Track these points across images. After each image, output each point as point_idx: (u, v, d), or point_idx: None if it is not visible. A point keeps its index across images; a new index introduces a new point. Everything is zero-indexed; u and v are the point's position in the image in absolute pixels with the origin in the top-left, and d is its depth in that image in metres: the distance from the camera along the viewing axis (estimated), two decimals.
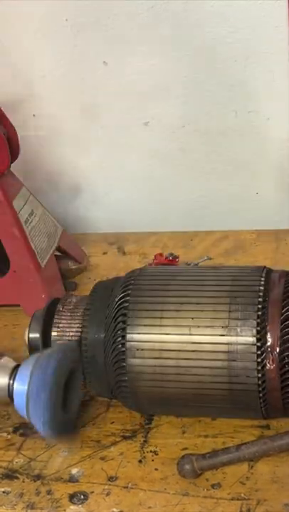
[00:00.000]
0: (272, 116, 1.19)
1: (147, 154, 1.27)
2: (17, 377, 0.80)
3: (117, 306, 0.81)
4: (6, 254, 1.07)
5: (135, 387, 0.80)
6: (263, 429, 0.82)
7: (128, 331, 0.79)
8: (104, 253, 1.24)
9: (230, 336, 0.76)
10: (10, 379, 0.81)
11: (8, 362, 0.83)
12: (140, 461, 0.81)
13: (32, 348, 0.86)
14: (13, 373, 0.81)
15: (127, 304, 0.80)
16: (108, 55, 1.20)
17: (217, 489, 0.75)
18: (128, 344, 0.79)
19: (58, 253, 1.16)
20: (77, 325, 0.85)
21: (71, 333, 0.85)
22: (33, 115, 1.27)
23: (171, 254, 1.12)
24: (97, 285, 0.87)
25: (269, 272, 0.81)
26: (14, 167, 1.09)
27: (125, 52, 1.19)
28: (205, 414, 0.84)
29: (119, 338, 0.79)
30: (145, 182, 1.30)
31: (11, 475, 0.81)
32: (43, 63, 1.22)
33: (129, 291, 0.81)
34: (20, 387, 0.79)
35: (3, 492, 0.79)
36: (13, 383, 0.80)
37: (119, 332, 0.79)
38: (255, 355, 0.75)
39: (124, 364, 0.79)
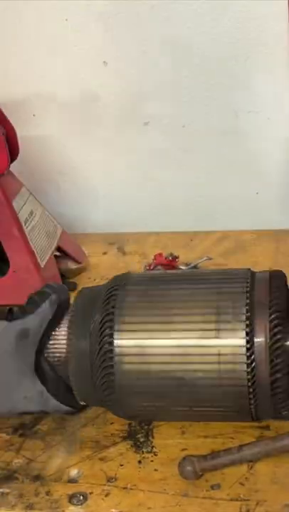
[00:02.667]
0: (272, 116, 1.19)
1: (147, 154, 1.27)
2: None
3: (103, 312, 0.79)
4: (6, 254, 1.07)
5: (124, 395, 0.79)
6: (263, 429, 0.82)
7: (115, 337, 0.78)
8: (104, 253, 1.24)
9: (219, 339, 0.75)
10: None
11: None
12: (139, 462, 0.81)
13: None
14: None
15: (113, 310, 0.79)
16: (108, 55, 1.19)
17: (216, 490, 0.75)
18: (116, 350, 0.78)
19: (57, 253, 1.16)
20: (63, 333, 0.83)
21: (56, 344, 0.83)
22: (33, 115, 1.27)
23: (171, 254, 1.12)
24: (81, 291, 0.85)
25: (254, 274, 0.81)
26: (14, 167, 1.09)
27: (125, 52, 1.19)
28: (196, 420, 0.83)
29: (107, 345, 0.78)
30: (145, 182, 1.30)
31: (10, 476, 0.81)
32: (43, 63, 1.22)
33: (115, 298, 0.80)
34: None
35: (2, 493, 0.79)
36: None
37: (106, 338, 0.78)
38: (245, 356, 0.74)
39: (112, 371, 0.77)
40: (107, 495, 0.77)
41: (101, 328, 0.78)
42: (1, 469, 0.82)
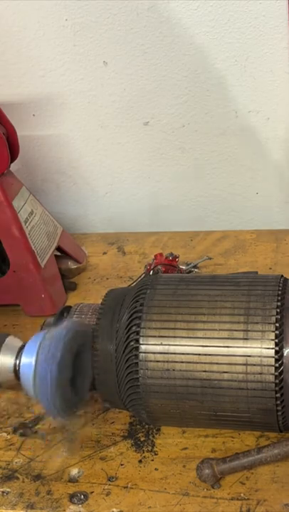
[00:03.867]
0: (272, 116, 1.19)
1: (147, 154, 1.27)
2: (23, 355, 0.77)
3: (130, 317, 0.78)
4: (6, 254, 1.07)
5: (148, 400, 0.78)
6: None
7: (141, 343, 0.76)
8: (104, 253, 1.24)
9: (248, 347, 0.73)
10: (16, 359, 0.78)
11: (14, 341, 0.80)
12: (140, 461, 0.81)
13: None
14: (20, 353, 0.78)
15: (140, 315, 0.78)
16: (108, 55, 1.20)
17: (217, 489, 0.75)
18: (141, 356, 0.76)
19: (57, 253, 1.15)
20: None
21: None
22: (33, 115, 1.27)
23: (171, 254, 1.12)
24: (108, 294, 0.84)
25: (286, 280, 0.79)
26: (14, 167, 1.09)
27: (125, 52, 1.19)
28: (220, 427, 0.81)
29: (133, 350, 0.77)
30: (145, 182, 1.30)
31: (10, 475, 0.81)
32: (43, 63, 1.22)
33: (143, 301, 0.79)
34: (27, 362, 0.76)
35: (3, 492, 0.79)
36: (19, 363, 0.77)
37: (132, 343, 0.77)
38: (274, 367, 0.72)
39: (138, 376, 0.76)
40: (107, 494, 0.77)
41: (127, 330, 0.77)
42: (1, 469, 0.82)
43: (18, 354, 0.78)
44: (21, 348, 0.79)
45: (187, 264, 1.13)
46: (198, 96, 1.20)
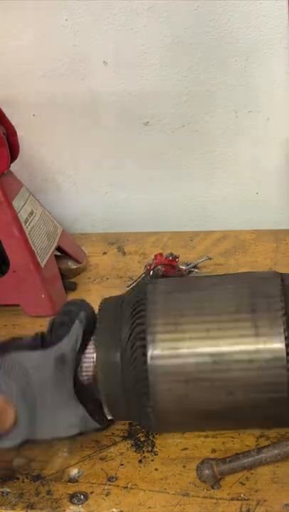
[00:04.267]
0: (272, 116, 1.19)
1: (147, 154, 1.27)
2: None
3: (133, 325, 0.75)
4: (6, 254, 1.07)
5: (161, 408, 0.75)
6: (264, 429, 0.82)
7: (149, 349, 0.73)
8: (104, 253, 1.24)
9: (258, 346, 0.72)
10: None
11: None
12: (140, 462, 0.81)
13: None
14: None
15: (144, 320, 0.75)
16: (108, 55, 1.20)
17: (217, 489, 0.75)
18: (150, 365, 0.73)
19: (57, 253, 1.15)
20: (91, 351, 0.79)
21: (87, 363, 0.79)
22: (33, 115, 1.27)
23: (171, 254, 1.12)
24: (104, 302, 0.81)
25: (284, 276, 0.78)
26: (14, 167, 1.09)
27: (125, 52, 1.19)
28: (233, 429, 0.81)
29: (140, 357, 0.74)
30: (145, 182, 1.30)
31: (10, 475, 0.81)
32: (43, 63, 1.22)
33: (144, 307, 0.76)
34: None
35: (3, 492, 0.79)
36: None
37: (138, 350, 0.74)
38: (285, 360, 0.71)
39: (147, 383, 0.74)
40: (107, 494, 0.77)
41: (132, 338, 0.74)
42: (1, 469, 0.82)
43: None
44: None
45: (187, 264, 1.13)
46: (198, 96, 1.20)
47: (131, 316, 0.76)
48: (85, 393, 0.78)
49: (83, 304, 0.80)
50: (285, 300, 0.74)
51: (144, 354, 0.74)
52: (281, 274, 0.79)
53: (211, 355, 0.73)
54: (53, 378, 0.77)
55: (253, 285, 0.77)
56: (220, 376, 0.73)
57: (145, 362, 0.74)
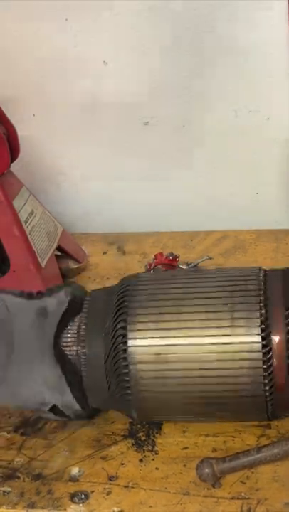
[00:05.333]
0: (272, 116, 1.19)
1: (147, 154, 1.27)
2: None
3: (115, 316, 0.79)
4: (6, 254, 1.07)
5: (139, 398, 0.78)
6: (265, 428, 0.82)
7: (129, 341, 0.77)
8: (104, 253, 1.24)
9: (235, 338, 0.75)
10: None
11: None
12: (141, 461, 0.81)
13: None
14: None
15: (126, 310, 0.78)
16: (108, 55, 1.20)
17: (217, 488, 0.75)
18: (130, 351, 0.77)
19: (58, 253, 1.16)
20: (73, 337, 0.82)
21: (69, 347, 0.82)
22: (33, 115, 1.27)
23: (171, 254, 1.12)
24: (91, 295, 0.85)
25: (266, 272, 0.81)
26: (14, 167, 1.09)
27: (125, 52, 1.19)
28: (210, 420, 0.82)
29: (120, 345, 0.77)
30: (145, 182, 1.30)
31: (11, 474, 0.81)
32: (43, 63, 1.22)
33: (126, 300, 0.79)
34: None
35: (4, 492, 0.79)
36: None
37: (119, 339, 0.77)
38: (261, 361, 0.74)
39: (127, 371, 0.77)
40: (108, 493, 0.77)
41: (114, 331, 0.78)
42: (2, 468, 0.82)
43: None
44: None
45: (187, 264, 1.13)
46: (198, 96, 1.20)
47: (114, 308, 0.79)
48: (66, 359, 0.80)
49: (76, 286, 0.85)
50: (264, 297, 0.76)
51: (125, 343, 0.77)
52: (264, 270, 0.81)
53: (189, 351, 0.76)
54: (33, 330, 0.80)
55: (234, 281, 0.79)
56: (196, 373, 0.76)
57: (125, 351, 0.77)
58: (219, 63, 1.17)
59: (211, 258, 1.15)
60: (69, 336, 0.81)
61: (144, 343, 0.77)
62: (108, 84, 1.22)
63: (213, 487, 0.75)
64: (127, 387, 0.78)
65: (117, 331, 0.78)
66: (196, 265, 1.13)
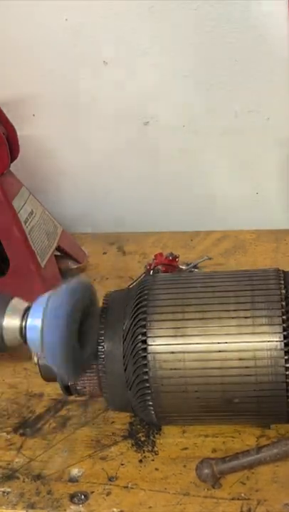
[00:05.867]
0: (272, 116, 1.19)
1: (147, 154, 1.27)
2: (29, 317, 0.75)
3: (135, 317, 0.78)
4: (6, 254, 1.07)
5: (159, 400, 0.77)
6: (264, 428, 0.82)
7: (149, 343, 0.76)
8: (104, 253, 1.24)
9: (257, 342, 0.74)
10: (22, 321, 0.76)
11: (19, 303, 0.78)
12: (140, 461, 0.81)
13: (44, 371, 0.82)
14: (26, 314, 0.76)
15: (145, 316, 0.77)
16: (108, 55, 1.20)
17: (217, 489, 0.75)
18: (150, 356, 0.76)
19: (57, 253, 1.15)
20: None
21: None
22: (33, 115, 1.27)
23: (171, 254, 1.12)
24: (108, 295, 0.84)
25: (286, 273, 0.80)
26: (14, 167, 1.09)
27: (125, 52, 1.19)
28: (230, 423, 0.82)
29: (140, 351, 0.76)
30: (145, 182, 1.29)
31: (11, 475, 0.81)
32: (43, 63, 1.22)
33: (145, 301, 0.78)
34: (33, 325, 0.73)
35: (4, 492, 0.79)
36: (25, 324, 0.75)
37: (139, 344, 0.76)
38: (283, 359, 0.73)
39: (147, 377, 0.76)
40: (108, 494, 0.77)
41: (134, 331, 0.77)
42: (2, 469, 0.82)
43: (24, 316, 0.76)
44: (27, 310, 0.77)
45: (187, 264, 1.13)
46: (198, 96, 1.20)
47: (133, 309, 0.78)
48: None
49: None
50: (286, 298, 0.75)
51: (145, 344, 0.76)
52: (283, 271, 0.80)
53: (209, 351, 0.75)
54: None
55: (253, 282, 0.78)
56: (216, 373, 0.75)
57: (145, 357, 0.76)
58: (219, 63, 1.17)
59: (210, 258, 1.15)
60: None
61: (163, 345, 0.76)
62: (108, 84, 1.22)
63: (213, 487, 0.75)
64: (147, 390, 0.77)
65: (137, 334, 0.77)
66: (196, 265, 1.13)
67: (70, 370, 0.72)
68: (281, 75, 1.15)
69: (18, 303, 0.78)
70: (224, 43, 1.14)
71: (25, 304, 0.77)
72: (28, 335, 0.74)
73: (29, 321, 0.74)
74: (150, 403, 0.77)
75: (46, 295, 0.75)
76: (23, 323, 0.75)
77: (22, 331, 0.75)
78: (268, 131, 1.21)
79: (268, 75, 1.16)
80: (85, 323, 0.73)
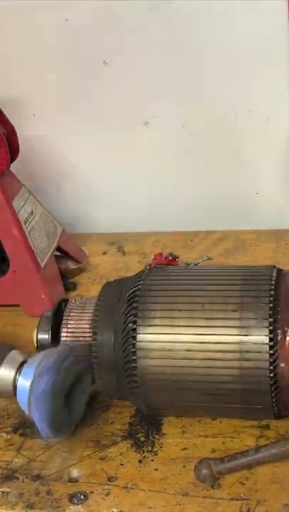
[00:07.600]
0: (272, 116, 1.19)
1: (147, 154, 1.27)
2: (22, 373, 0.81)
3: (127, 307, 0.80)
4: (6, 254, 1.07)
5: (146, 389, 0.80)
6: (263, 429, 0.82)
7: (139, 332, 0.79)
8: (104, 253, 1.24)
9: (243, 335, 0.75)
10: (16, 373, 0.82)
11: (17, 355, 0.84)
12: (140, 461, 0.81)
13: (41, 348, 0.86)
14: (20, 368, 0.82)
15: (137, 305, 0.80)
16: (108, 55, 1.19)
17: (217, 489, 0.75)
18: (139, 345, 0.78)
19: (57, 253, 1.16)
20: (87, 326, 0.85)
21: (80, 334, 0.85)
22: (33, 115, 1.27)
23: (171, 254, 1.11)
24: (105, 286, 0.86)
25: (279, 271, 0.81)
26: (14, 167, 1.09)
27: (125, 52, 1.19)
28: (216, 415, 0.83)
29: (130, 339, 0.79)
30: (145, 182, 1.29)
31: (10, 475, 0.81)
32: (43, 63, 1.22)
33: (139, 292, 0.81)
34: (23, 383, 0.80)
35: (3, 492, 0.79)
36: (18, 378, 0.81)
37: (130, 333, 0.79)
38: (268, 354, 0.74)
39: (135, 365, 0.78)
40: (107, 494, 0.77)
41: (125, 320, 0.79)
42: (1, 469, 0.82)
43: (19, 369, 0.82)
44: (22, 364, 0.82)
45: (187, 264, 1.13)
46: (199, 96, 1.20)
47: (127, 300, 0.80)
48: None
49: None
50: (274, 294, 0.77)
51: (134, 337, 0.78)
52: (274, 266, 0.81)
53: (195, 342, 0.77)
54: None
55: (245, 276, 0.80)
56: (202, 364, 0.77)
57: (134, 344, 0.78)
58: (219, 63, 1.16)
59: (210, 258, 1.15)
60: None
61: (153, 338, 0.78)
62: (108, 84, 1.22)
63: (212, 488, 0.75)
64: (135, 378, 0.79)
65: (128, 324, 0.79)
66: (196, 265, 1.13)
67: (53, 432, 0.78)
68: (281, 74, 1.15)
69: (16, 355, 0.84)
70: (224, 42, 1.14)
71: (22, 358, 0.84)
72: (18, 395, 0.81)
73: (20, 380, 0.81)
74: (138, 391, 0.80)
75: (39, 356, 0.81)
76: (17, 377, 0.82)
77: (15, 384, 0.82)
78: (268, 131, 1.21)
79: (268, 75, 1.16)
80: (76, 387, 0.80)
